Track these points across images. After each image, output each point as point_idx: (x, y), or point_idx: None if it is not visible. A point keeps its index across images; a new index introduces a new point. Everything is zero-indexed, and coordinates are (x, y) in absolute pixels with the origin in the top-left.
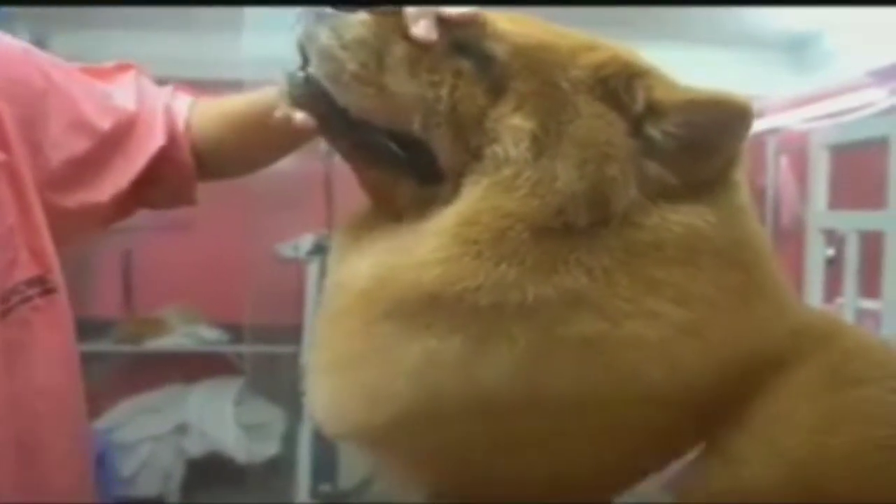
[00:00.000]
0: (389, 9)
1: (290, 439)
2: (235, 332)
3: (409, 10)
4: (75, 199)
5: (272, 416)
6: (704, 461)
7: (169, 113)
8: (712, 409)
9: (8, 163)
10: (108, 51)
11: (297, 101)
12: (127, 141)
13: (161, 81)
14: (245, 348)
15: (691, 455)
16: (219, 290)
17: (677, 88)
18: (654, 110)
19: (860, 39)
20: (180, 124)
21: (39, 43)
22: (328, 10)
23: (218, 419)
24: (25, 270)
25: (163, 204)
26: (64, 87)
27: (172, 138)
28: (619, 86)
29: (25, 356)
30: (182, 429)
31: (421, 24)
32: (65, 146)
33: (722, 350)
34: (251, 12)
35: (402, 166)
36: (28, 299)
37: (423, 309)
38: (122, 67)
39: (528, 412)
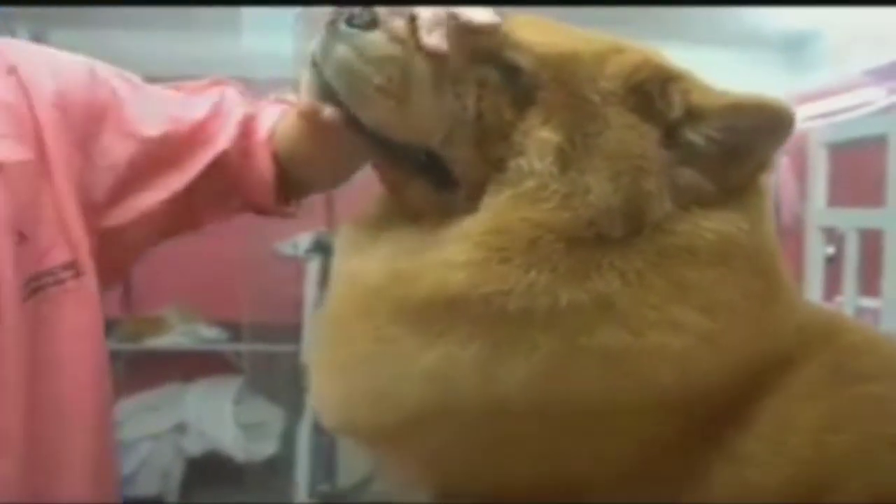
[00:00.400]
0: (396, 8)
1: (288, 438)
2: (234, 331)
3: (423, 19)
4: (126, 204)
5: (271, 415)
6: (710, 461)
7: (248, 122)
8: (721, 410)
9: (43, 163)
10: (107, 49)
11: (323, 91)
12: (185, 148)
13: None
14: (244, 347)
15: (697, 455)
16: (218, 289)
17: (714, 92)
18: (693, 115)
19: (859, 39)
20: (261, 133)
21: (37, 40)
22: (343, 27)
23: (217, 418)
24: (61, 255)
25: (251, 210)
26: (125, 100)
27: (243, 146)
28: (653, 91)
29: (53, 329)
30: (181, 428)
31: (433, 35)
32: (109, 153)
33: (738, 356)
34: (249, 12)
35: (417, 169)
36: (61, 281)
37: (442, 312)
38: (217, 82)
39: (541, 417)
